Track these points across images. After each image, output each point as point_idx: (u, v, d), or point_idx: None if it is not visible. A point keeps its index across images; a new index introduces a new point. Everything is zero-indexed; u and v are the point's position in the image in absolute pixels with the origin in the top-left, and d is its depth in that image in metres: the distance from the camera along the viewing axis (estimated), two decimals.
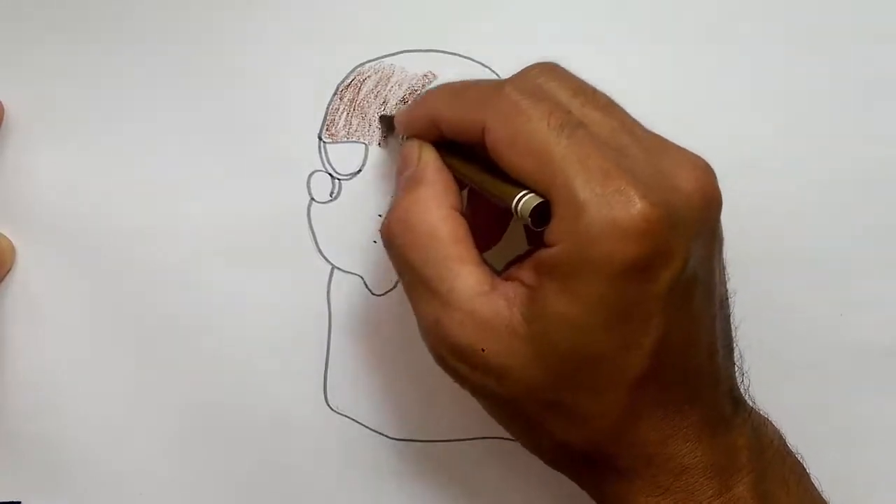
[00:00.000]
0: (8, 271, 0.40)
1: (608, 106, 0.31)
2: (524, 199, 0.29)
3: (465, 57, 0.38)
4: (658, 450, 0.31)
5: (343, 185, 0.39)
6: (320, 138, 0.39)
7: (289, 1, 0.38)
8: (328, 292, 0.40)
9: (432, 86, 0.38)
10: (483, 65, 0.38)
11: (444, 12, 0.38)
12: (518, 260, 0.32)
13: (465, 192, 0.34)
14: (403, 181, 0.33)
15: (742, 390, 0.33)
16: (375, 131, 0.39)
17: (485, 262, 0.31)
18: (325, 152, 0.39)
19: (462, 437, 0.41)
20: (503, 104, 0.30)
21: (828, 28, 0.38)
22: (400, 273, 0.33)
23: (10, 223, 0.39)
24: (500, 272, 0.32)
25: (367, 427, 0.41)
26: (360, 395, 0.41)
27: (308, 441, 0.41)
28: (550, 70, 0.31)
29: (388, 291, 0.40)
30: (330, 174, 0.39)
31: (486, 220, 0.34)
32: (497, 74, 0.38)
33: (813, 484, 0.34)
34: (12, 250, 0.39)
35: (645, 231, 0.27)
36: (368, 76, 0.38)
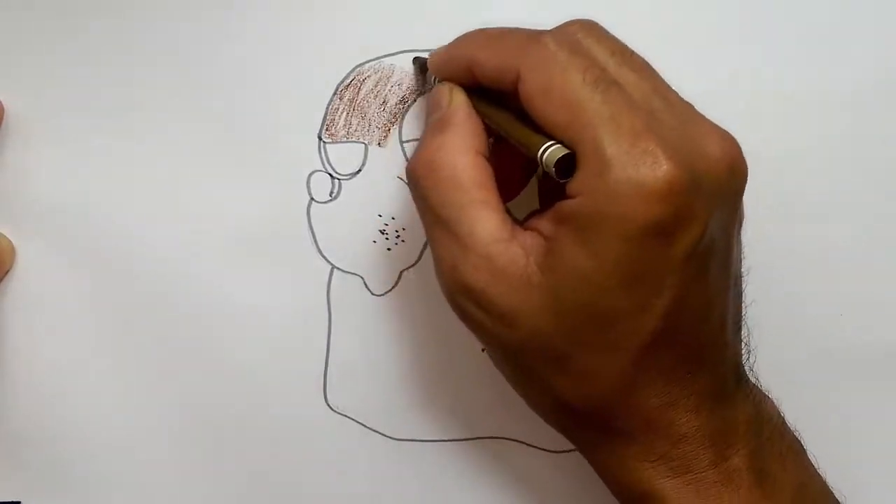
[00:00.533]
0: (8, 271, 0.40)
1: (644, 68, 0.31)
2: (550, 150, 0.29)
3: None
4: (658, 415, 0.31)
5: (343, 185, 0.39)
6: (320, 138, 0.39)
7: (289, 1, 0.38)
8: (328, 292, 0.40)
9: (431, 86, 0.38)
10: None
11: (444, 12, 0.38)
12: (539, 211, 0.32)
13: (490, 142, 0.33)
14: (432, 123, 0.33)
15: (747, 367, 0.33)
16: (375, 131, 0.39)
17: (506, 210, 0.31)
18: (325, 152, 0.39)
19: (462, 437, 0.41)
20: (540, 54, 0.30)
21: (827, 26, 0.38)
22: (421, 213, 0.33)
23: (10, 223, 0.39)
24: (521, 222, 0.32)
25: (367, 427, 0.41)
26: (360, 395, 0.41)
27: (308, 441, 0.41)
28: (590, 27, 0.31)
29: (388, 291, 0.40)
30: (330, 174, 0.39)
31: (509, 172, 0.34)
32: None
33: (810, 461, 0.34)
34: (12, 250, 0.39)
35: (668, 193, 0.27)
36: (368, 76, 0.38)
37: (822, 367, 0.40)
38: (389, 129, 0.39)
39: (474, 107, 0.33)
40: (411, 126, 0.39)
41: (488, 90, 0.32)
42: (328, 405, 0.41)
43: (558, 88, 0.29)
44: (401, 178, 0.39)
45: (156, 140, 0.39)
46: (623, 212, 0.28)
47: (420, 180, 0.32)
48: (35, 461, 0.41)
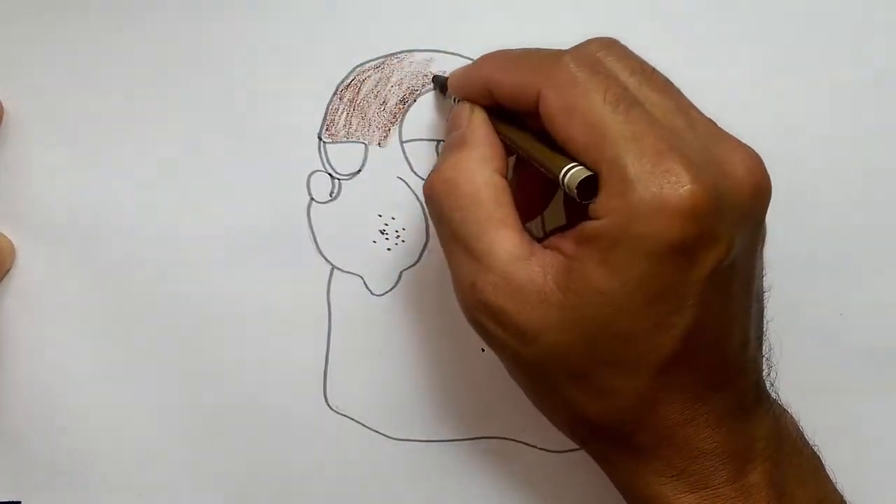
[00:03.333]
0: (8, 271, 0.40)
1: (665, 86, 0.31)
2: (572, 171, 0.29)
3: (466, 57, 0.38)
4: (677, 432, 0.31)
5: (343, 185, 0.39)
6: (320, 138, 0.39)
7: (289, 1, 0.38)
8: (328, 292, 0.40)
9: (431, 86, 0.38)
10: None
11: (444, 12, 0.38)
12: (558, 231, 0.32)
13: (511, 161, 0.33)
14: (451, 141, 0.33)
15: (768, 383, 0.33)
16: (375, 131, 0.39)
17: (525, 229, 0.31)
18: (325, 152, 0.39)
19: (462, 437, 0.41)
20: (561, 74, 0.30)
21: (827, 27, 0.38)
22: (439, 231, 0.33)
23: (10, 223, 0.39)
24: (540, 241, 0.32)
25: (367, 427, 0.41)
26: (360, 395, 0.41)
27: (308, 441, 0.41)
28: (610, 45, 0.31)
29: (388, 291, 0.40)
30: (330, 174, 0.39)
31: (529, 192, 0.34)
32: None
33: (829, 477, 0.34)
34: (12, 250, 0.39)
35: (692, 213, 0.27)
36: (368, 76, 0.38)
37: (819, 373, 0.40)
38: (389, 129, 0.39)
39: (494, 127, 0.33)
40: (411, 126, 0.39)
41: (508, 111, 0.32)
42: (328, 405, 0.41)
43: (579, 109, 0.29)
44: (401, 179, 0.39)
45: (155, 140, 0.39)
46: (646, 231, 0.28)
47: (438, 197, 0.32)
48: (35, 461, 0.41)
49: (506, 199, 0.31)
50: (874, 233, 0.39)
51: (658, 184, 0.27)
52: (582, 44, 0.31)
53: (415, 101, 0.38)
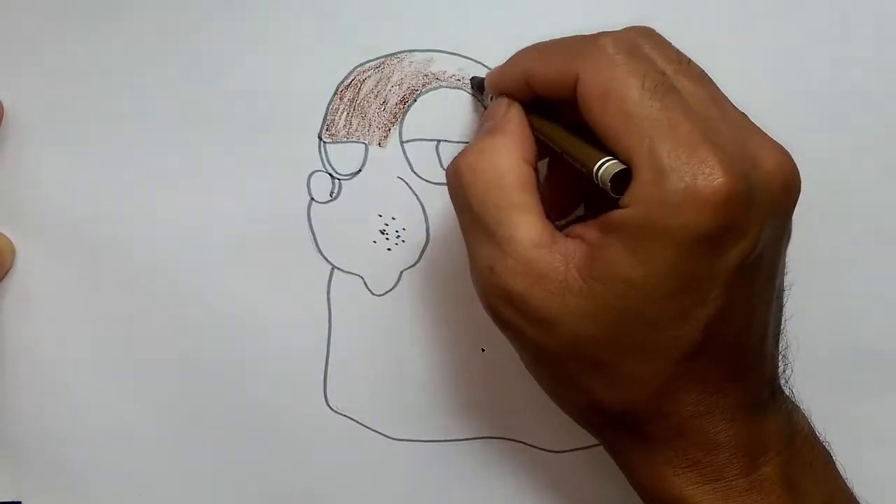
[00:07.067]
0: (8, 271, 0.40)
1: (701, 77, 0.31)
2: (606, 165, 0.29)
3: (465, 57, 0.38)
4: (693, 423, 0.31)
5: (343, 185, 0.39)
6: (320, 138, 0.39)
7: (289, 1, 0.38)
8: (328, 292, 0.40)
9: (431, 86, 0.38)
10: (483, 65, 0.38)
11: (444, 12, 0.38)
12: (582, 219, 0.32)
13: (544, 164, 0.33)
14: (482, 130, 0.33)
15: (783, 380, 0.34)
16: (376, 131, 0.39)
17: (546, 218, 0.31)
18: (325, 152, 0.39)
19: (462, 437, 0.41)
20: (600, 56, 0.30)
21: (825, 29, 0.38)
22: (460, 215, 0.32)
23: (10, 223, 0.39)
24: (562, 229, 0.31)
25: (367, 427, 0.41)
26: (360, 395, 0.41)
27: (308, 441, 0.41)
28: (647, 33, 0.31)
29: (388, 291, 0.40)
30: (330, 174, 0.39)
31: (561, 192, 0.34)
32: None
33: (839, 472, 0.34)
34: (12, 250, 0.39)
35: (724, 204, 0.27)
36: (368, 76, 0.38)
37: (819, 373, 0.40)
38: (390, 129, 0.39)
39: (530, 123, 0.33)
40: (411, 126, 0.39)
41: (544, 108, 0.32)
42: (328, 405, 0.41)
43: (617, 93, 0.29)
44: (401, 179, 0.39)
45: (156, 140, 0.39)
46: (677, 221, 0.27)
47: (461, 179, 0.32)
48: (35, 461, 0.41)
49: (530, 186, 0.31)
50: (874, 233, 0.39)
51: (692, 174, 0.27)
52: (620, 30, 0.31)
53: (415, 100, 0.38)
